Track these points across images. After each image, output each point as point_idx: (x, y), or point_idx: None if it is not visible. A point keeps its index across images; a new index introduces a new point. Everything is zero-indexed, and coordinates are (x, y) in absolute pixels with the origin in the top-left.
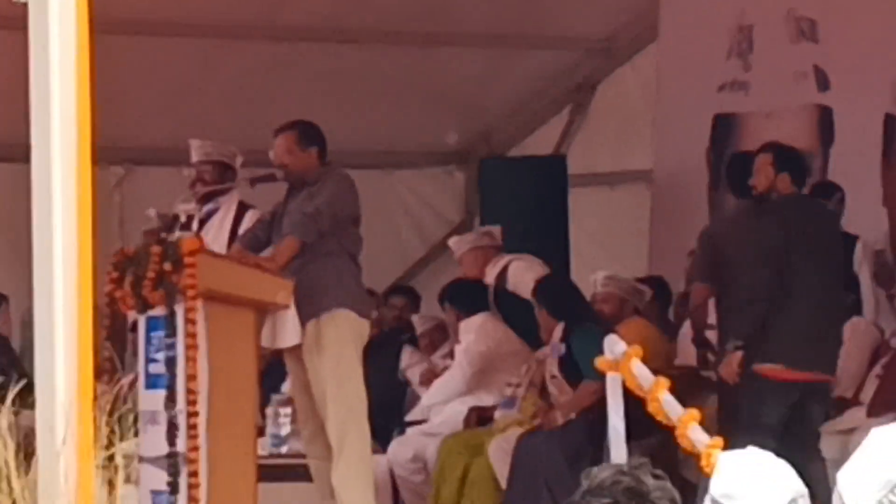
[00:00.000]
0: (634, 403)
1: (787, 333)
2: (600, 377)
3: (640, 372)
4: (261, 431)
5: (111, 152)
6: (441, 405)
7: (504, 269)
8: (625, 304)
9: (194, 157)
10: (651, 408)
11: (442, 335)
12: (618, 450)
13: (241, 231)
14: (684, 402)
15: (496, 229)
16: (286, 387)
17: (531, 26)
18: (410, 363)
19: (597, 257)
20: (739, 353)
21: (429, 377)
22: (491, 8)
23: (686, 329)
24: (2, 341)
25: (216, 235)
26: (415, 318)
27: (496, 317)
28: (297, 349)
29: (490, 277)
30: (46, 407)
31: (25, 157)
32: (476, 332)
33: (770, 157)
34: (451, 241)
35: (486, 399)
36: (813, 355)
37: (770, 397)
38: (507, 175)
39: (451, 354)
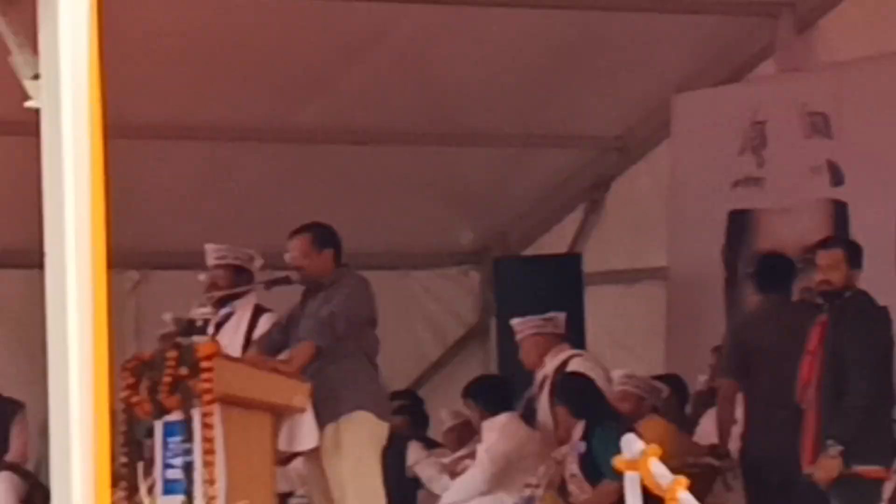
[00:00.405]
0: (653, 503)
1: (887, 433)
2: (619, 477)
3: (659, 471)
4: None
5: (126, 256)
6: None
7: (564, 363)
8: (642, 402)
9: (209, 262)
10: None
11: (469, 432)
12: None
13: (256, 334)
14: (702, 499)
15: (561, 316)
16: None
17: (545, 125)
18: (418, 459)
19: (613, 356)
20: (839, 456)
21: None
22: (505, 108)
23: (705, 426)
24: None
25: (232, 339)
26: (443, 413)
27: (518, 418)
28: (314, 452)
29: (550, 368)
30: None
31: (40, 263)
32: (500, 432)
33: (842, 252)
34: (514, 323)
35: (506, 500)
36: None
37: (869, 499)
38: (523, 274)
39: (472, 455)
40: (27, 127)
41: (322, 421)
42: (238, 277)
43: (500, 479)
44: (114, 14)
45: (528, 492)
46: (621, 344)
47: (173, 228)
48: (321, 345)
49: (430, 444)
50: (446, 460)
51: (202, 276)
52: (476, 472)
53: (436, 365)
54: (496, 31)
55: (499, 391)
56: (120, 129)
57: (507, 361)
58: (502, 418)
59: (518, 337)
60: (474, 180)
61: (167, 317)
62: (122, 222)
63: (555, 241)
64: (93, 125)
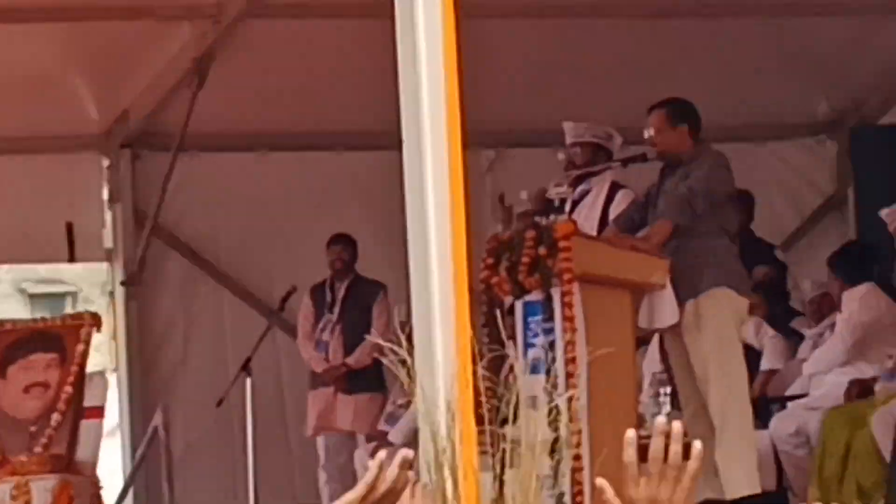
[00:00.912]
0: None
1: None
2: None
3: None
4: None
5: (482, 136)
6: (821, 376)
7: None
8: None
9: (567, 140)
10: None
11: (830, 304)
12: None
13: (612, 210)
14: None
15: None
16: (655, 366)
17: None
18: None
19: None
20: None
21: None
22: None
23: None
24: None
25: (587, 216)
26: (805, 284)
27: (878, 289)
28: (675, 328)
29: None
30: (427, 392)
31: (396, 145)
32: (859, 303)
33: None
34: (884, 214)
35: (866, 371)
36: None
37: None
38: (880, 142)
39: (832, 326)
40: (379, 10)
41: (681, 297)
42: (596, 155)
43: (859, 350)
44: None
45: (890, 363)
46: None
47: (528, 106)
48: (679, 223)
49: (791, 314)
50: (809, 332)
51: (560, 155)
52: (836, 343)
53: (793, 236)
54: None
55: (860, 261)
56: (473, 8)
57: (865, 231)
58: (862, 289)
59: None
60: (829, 50)
61: (524, 195)
62: (478, 101)
63: None
64: (445, 4)
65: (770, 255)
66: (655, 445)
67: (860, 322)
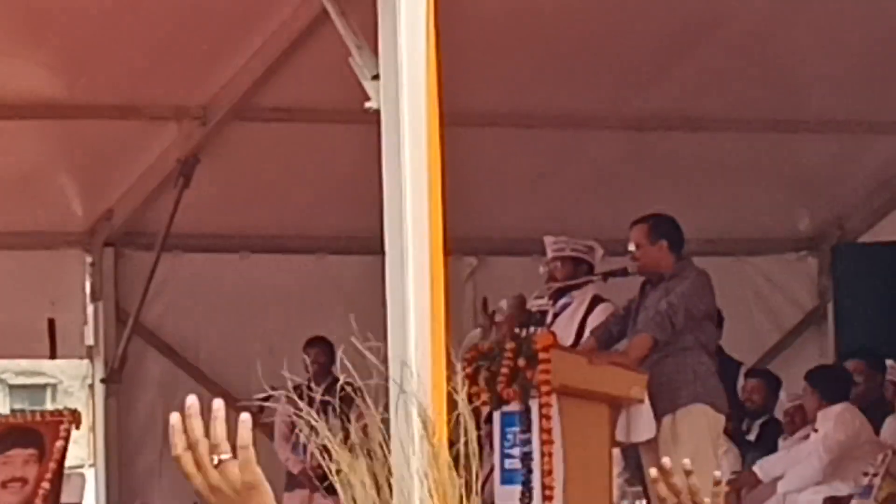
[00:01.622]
0: None
1: None
2: None
3: None
4: None
5: (463, 242)
6: (795, 493)
7: None
8: None
9: (548, 254)
10: None
11: (804, 416)
12: None
13: (590, 322)
14: None
15: None
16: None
17: (884, 112)
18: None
19: None
20: None
21: None
22: (843, 93)
23: None
24: None
25: (566, 328)
26: (782, 396)
27: (854, 408)
28: (651, 443)
29: None
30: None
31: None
32: (835, 421)
33: None
34: None
35: (841, 489)
36: None
37: None
38: (863, 261)
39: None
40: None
41: (659, 412)
42: (577, 269)
43: (835, 468)
44: (449, 3)
45: (865, 480)
46: None
47: (511, 214)
48: (659, 338)
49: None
50: (783, 443)
51: (542, 268)
52: (812, 461)
53: (773, 349)
54: (833, 17)
55: (839, 380)
56: (457, 117)
57: (844, 347)
58: (838, 407)
59: None
60: (812, 166)
61: (503, 304)
62: (460, 209)
63: (893, 228)
64: (430, 121)
65: (735, 372)
66: (660, 489)
67: (836, 441)
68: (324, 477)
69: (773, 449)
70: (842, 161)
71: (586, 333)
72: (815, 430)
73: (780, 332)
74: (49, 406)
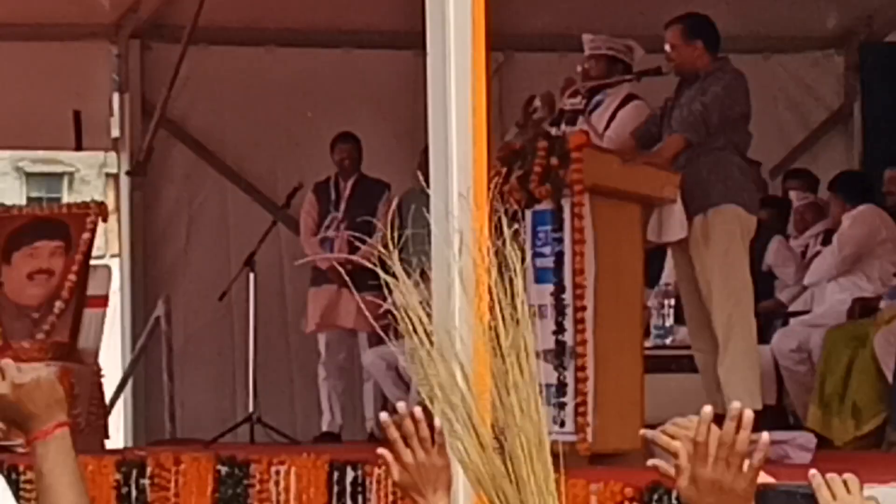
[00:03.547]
0: None
1: None
2: None
3: None
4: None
5: (490, 38)
6: (823, 293)
7: None
8: None
9: (585, 51)
10: None
11: (816, 215)
12: None
13: (618, 118)
14: None
15: None
16: (665, 277)
17: None
18: (779, 253)
19: None
20: None
21: None
22: None
23: None
24: None
25: (597, 124)
26: (792, 195)
27: (879, 209)
28: (683, 242)
29: None
30: (442, 307)
31: (406, 45)
32: (853, 219)
33: None
34: None
35: (867, 288)
36: None
37: None
38: (889, 61)
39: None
40: None
41: (690, 212)
42: (612, 68)
43: (853, 264)
44: None
45: (894, 281)
46: None
47: (540, 10)
48: (692, 139)
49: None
50: (794, 242)
51: (578, 67)
52: (826, 255)
53: (798, 149)
54: None
55: (862, 185)
56: None
57: (870, 147)
58: (861, 207)
59: None
60: None
61: (537, 101)
62: (489, 3)
63: None
64: None
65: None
66: (727, 429)
67: (852, 235)
68: (351, 273)
69: None
70: None
71: (613, 127)
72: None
73: (806, 130)
74: (66, 194)
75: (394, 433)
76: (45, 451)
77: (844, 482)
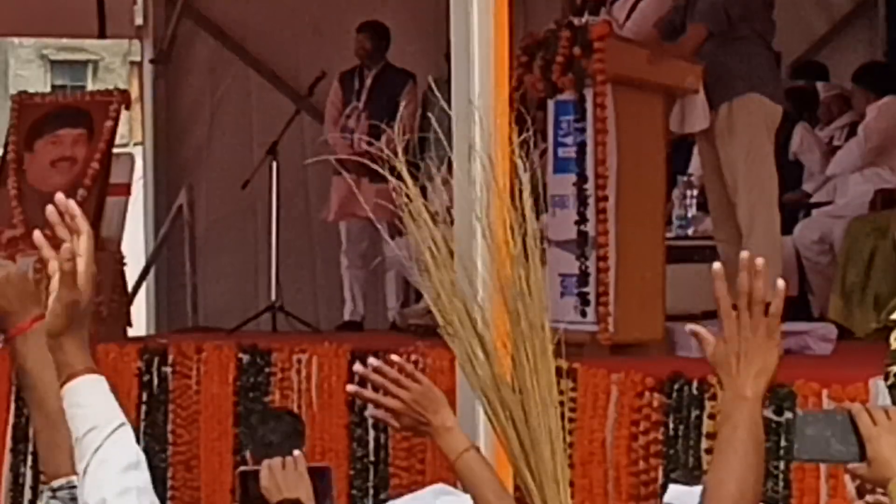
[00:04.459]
0: None
1: None
2: None
3: None
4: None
5: None
6: (846, 185)
7: None
8: None
9: None
10: None
11: (841, 106)
12: None
13: (639, 7)
14: None
15: None
16: (692, 168)
17: None
18: (804, 141)
19: None
20: None
21: None
22: None
23: None
24: None
25: (618, 12)
26: (819, 86)
27: None
28: (709, 133)
29: None
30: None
31: None
32: (878, 110)
33: None
34: None
35: (892, 180)
36: None
37: None
38: None
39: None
40: None
41: (715, 102)
42: None
43: (878, 155)
44: None
45: None
46: None
47: None
48: (714, 29)
49: (815, 123)
50: (820, 133)
51: None
52: (852, 146)
53: (822, 40)
54: None
55: (886, 75)
56: None
57: (893, 38)
58: (886, 99)
59: None
60: None
61: None
62: None
63: None
64: None
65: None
66: (741, 279)
67: (877, 127)
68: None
69: None
70: None
71: (634, 18)
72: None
73: (830, 21)
74: (90, 83)
75: (368, 393)
76: (24, 347)
77: (886, 410)
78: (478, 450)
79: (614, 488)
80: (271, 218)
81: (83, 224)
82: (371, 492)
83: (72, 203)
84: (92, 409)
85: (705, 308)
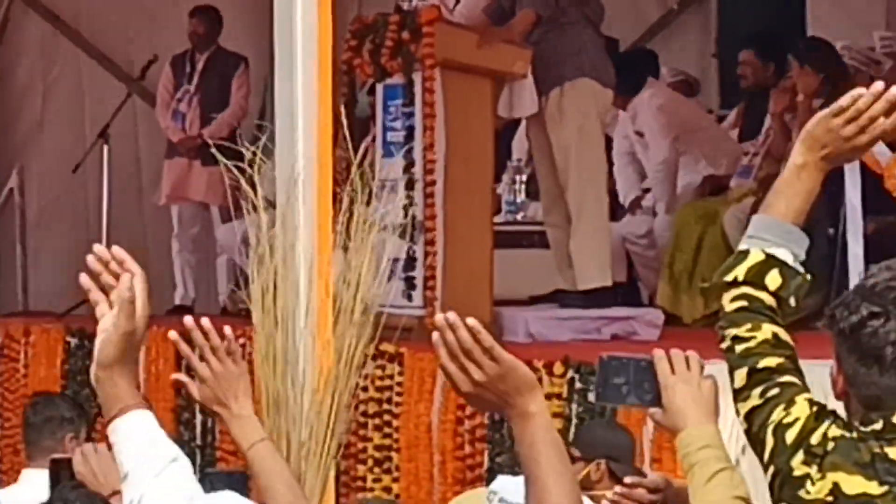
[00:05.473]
0: (872, 180)
1: None
2: None
3: (879, 149)
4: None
5: None
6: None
7: None
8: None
9: None
10: (889, 184)
11: (687, 93)
12: (854, 225)
13: None
14: None
15: None
16: (518, 153)
17: None
18: None
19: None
20: None
21: None
22: None
23: None
24: None
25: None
26: (663, 71)
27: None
28: (540, 117)
29: None
30: (286, 168)
31: None
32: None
33: None
34: None
35: (707, 168)
36: None
37: None
38: None
39: None
40: None
41: (545, 87)
42: None
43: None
44: None
45: (745, 160)
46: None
47: None
48: (542, 13)
49: None
50: None
51: None
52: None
53: (654, 27)
54: None
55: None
56: None
57: (726, 23)
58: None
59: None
60: None
61: None
62: None
63: None
64: None
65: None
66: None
67: (667, 123)
68: (201, 147)
69: None
70: None
71: (464, 2)
72: None
73: (663, 8)
74: None
75: (186, 348)
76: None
77: (686, 358)
78: (271, 441)
79: (440, 472)
80: (102, 201)
81: (134, 266)
82: (197, 475)
83: (116, 249)
84: (144, 444)
85: (532, 293)
